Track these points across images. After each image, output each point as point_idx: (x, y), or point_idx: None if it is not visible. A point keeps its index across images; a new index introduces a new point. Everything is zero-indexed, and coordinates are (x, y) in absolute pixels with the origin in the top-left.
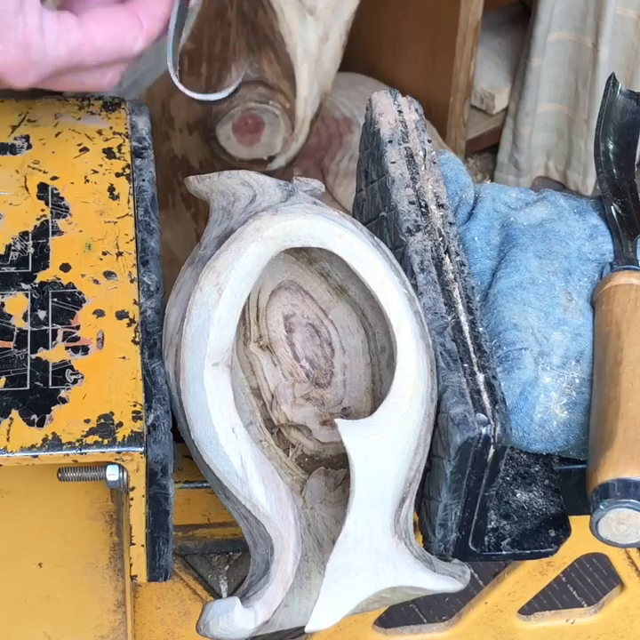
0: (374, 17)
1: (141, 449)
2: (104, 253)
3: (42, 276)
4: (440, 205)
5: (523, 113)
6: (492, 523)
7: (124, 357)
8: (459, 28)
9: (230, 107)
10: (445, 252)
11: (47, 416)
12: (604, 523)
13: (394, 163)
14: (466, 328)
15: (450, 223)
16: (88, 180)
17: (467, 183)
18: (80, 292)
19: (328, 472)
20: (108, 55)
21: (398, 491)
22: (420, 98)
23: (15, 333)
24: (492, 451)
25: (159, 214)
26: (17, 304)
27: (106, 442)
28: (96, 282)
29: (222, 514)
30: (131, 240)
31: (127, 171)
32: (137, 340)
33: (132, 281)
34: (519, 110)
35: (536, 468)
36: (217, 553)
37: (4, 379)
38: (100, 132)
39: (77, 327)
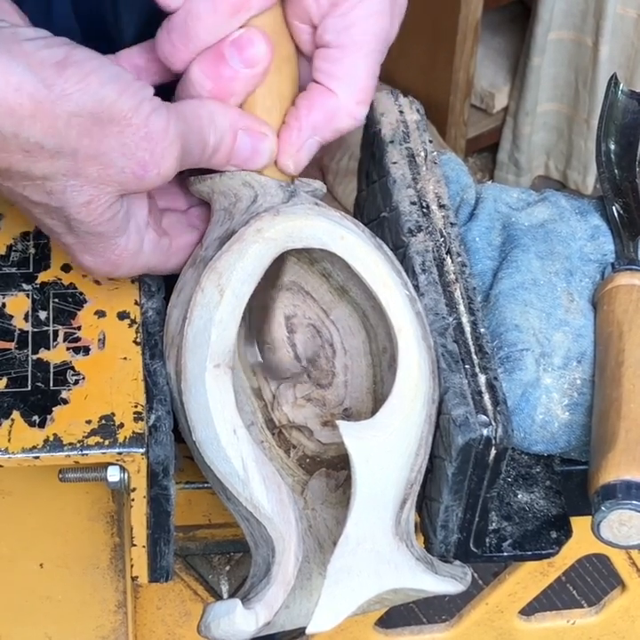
0: None
1: (142, 450)
2: None
3: (43, 277)
4: (441, 206)
5: (523, 112)
6: (494, 524)
7: (125, 358)
8: (458, 28)
9: None
10: (447, 253)
11: (48, 417)
12: (606, 524)
13: (395, 163)
14: (467, 329)
15: (451, 224)
16: None
17: (468, 183)
18: (81, 293)
19: (329, 473)
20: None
21: (399, 492)
22: (420, 97)
23: (16, 334)
24: (493, 452)
25: None
26: (18, 304)
27: (107, 443)
28: (97, 282)
29: (223, 514)
30: None
31: None
32: (138, 340)
33: (133, 281)
34: (519, 109)
35: (537, 469)
36: (218, 554)
37: (5, 379)
38: None
39: (78, 328)
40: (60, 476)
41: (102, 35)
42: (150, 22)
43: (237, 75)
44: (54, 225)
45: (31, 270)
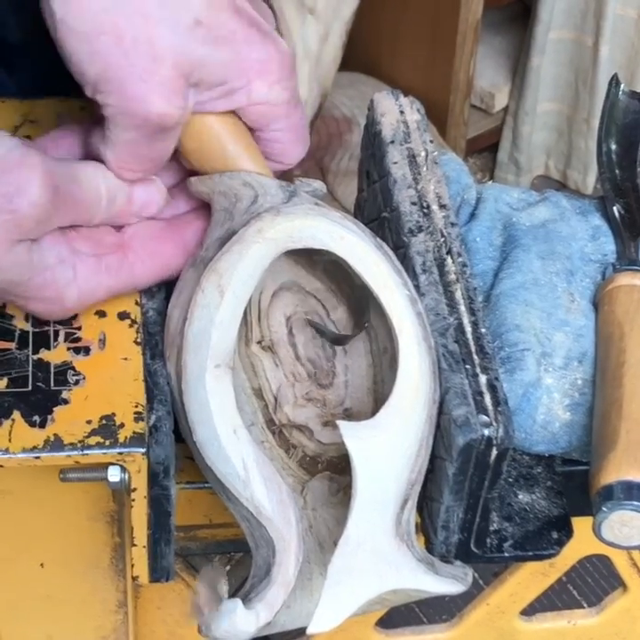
0: (374, 16)
1: (143, 450)
2: None
3: None
4: (442, 206)
5: (523, 112)
6: (495, 524)
7: (125, 358)
8: (459, 27)
9: None
10: (447, 253)
11: (49, 417)
12: (607, 525)
13: (395, 163)
14: (468, 329)
15: (452, 224)
16: None
17: (468, 184)
18: None
19: (332, 477)
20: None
21: (400, 493)
22: (420, 97)
23: (17, 334)
24: (494, 452)
25: None
26: None
27: (107, 443)
28: None
29: (224, 514)
30: None
31: None
32: (139, 340)
33: None
34: (519, 109)
35: (538, 470)
36: (218, 554)
37: (5, 379)
38: None
39: (79, 328)
40: (61, 475)
41: None
42: (37, 23)
43: None
44: None
45: None
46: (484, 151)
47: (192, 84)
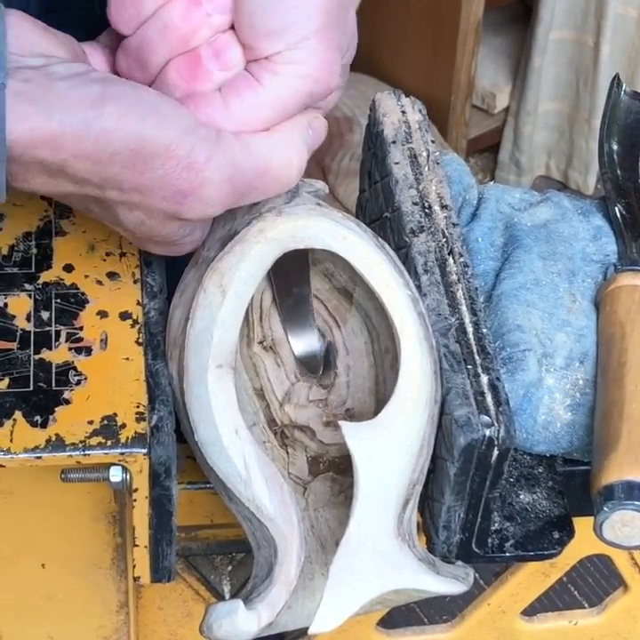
0: (375, 16)
1: (145, 450)
2: (107, 254)
3: (45, 277)
4: (444, 206)
5: (524, 112)
6: (496, 524)
7: (127, 358)
8: (460, 28)
9: None
10: (449, 253)
11: (50, 417)
12: (608, 525)
13: (397, 163)
14: (470, 329)
15: (453, 224)
16: None
17: (470, 184)
18: (83, 293)
19: (334, 478)
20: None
21: (402, 493)
22: (421, 97)
23: (18, 334)
24: (495, 452)
25: None
26: (20, 305)
27: (109, 443)
28: (99, 282)
29: (225, 515)
30: None
31: None
32: (140, 341)
33: (135, 282)
34: (520, 109)
35: (540, 470)
36: (220, 554)
37: (7, 380)
38: None
39: (81, 328)
40: (63, 476)
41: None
42: None
43: (211, 77)
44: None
45: (33, 270)
46: (486, 151)
47: None
